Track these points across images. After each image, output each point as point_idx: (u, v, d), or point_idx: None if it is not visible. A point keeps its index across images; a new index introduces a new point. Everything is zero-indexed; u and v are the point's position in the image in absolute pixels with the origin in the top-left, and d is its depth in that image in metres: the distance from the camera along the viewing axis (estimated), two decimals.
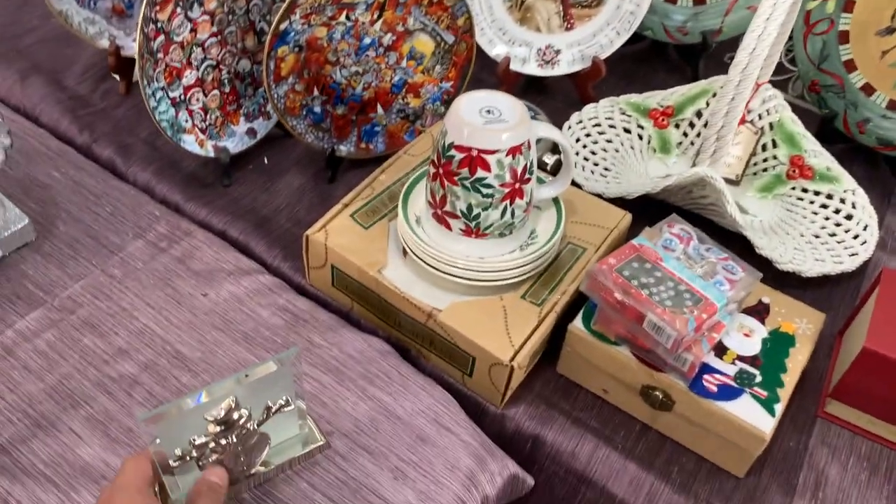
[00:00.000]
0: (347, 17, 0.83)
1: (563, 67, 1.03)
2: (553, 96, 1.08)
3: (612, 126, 0.99)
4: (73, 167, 0.87)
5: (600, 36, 1.02)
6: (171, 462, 0.54)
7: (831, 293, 0.85)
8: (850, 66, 0.97)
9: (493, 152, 0.68)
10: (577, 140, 0.98)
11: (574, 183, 0.89)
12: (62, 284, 0.76)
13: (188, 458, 0.55)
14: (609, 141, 0.98)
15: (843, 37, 0.97)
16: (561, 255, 0.78)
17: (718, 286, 0.68)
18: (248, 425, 0.56)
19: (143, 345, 0.72)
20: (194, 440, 0.54)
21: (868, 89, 0.97)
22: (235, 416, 0.55)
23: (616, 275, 0.67)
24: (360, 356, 0.73)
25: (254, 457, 0.58)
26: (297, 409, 0.59)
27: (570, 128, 0.99)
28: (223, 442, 0.55)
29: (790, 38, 0.98)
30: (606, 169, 0.96)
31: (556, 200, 0.78)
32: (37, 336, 0.71)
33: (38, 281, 0.76)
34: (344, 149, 0.91)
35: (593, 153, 0.97)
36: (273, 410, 0.57)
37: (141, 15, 0.75)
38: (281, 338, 0.73)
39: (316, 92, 0.87)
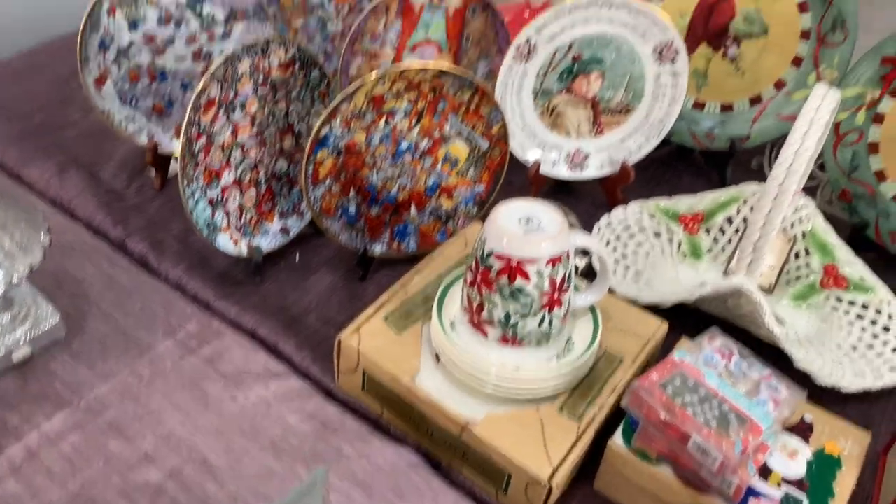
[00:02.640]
0: (386, 122, 0.84)
1: (591, 171, 1.04)
2: (582, 198, 1.08)
3: (641, 229, 0.99)
4: (107, 262, 0.87)
5: (629, 141, 1.03)
6: None
7: (872, 408, 0.83)
8: (881, 176, 0.98)
9: (532, 262, 0.67)
10: (608, 243, 0.98)
11: (608, 289, 0.89)
12: (90, 385, 0.75)
13: None
14: (639, 244, 0.98)
15: (873, 148, 0.97)
16: (598, 365, 0.76)
17: (763, 406, 0.66)
18: None
19: (170, 451, 0.70)
20: None
21: None
22: None
23: (660, 392, 0.66)
24: (391, 468, 0.71)
25: None
26: None
27: (599, 230, 0.99)
28: None
29: None
30: (638, 272, 0.95)
31: (592, 308, 0.78)
32: (62, 439, 0.70)
33: (66, 380, 0.75)
34: (377, 248, 0.91)
35: (624, 256, 0.97)
36: None
37: (185, 118, 0.76)
38: (309, 447, 0.71)
39: (352, 193, 0.87)
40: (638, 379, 0.68)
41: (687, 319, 0.86)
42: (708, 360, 0.70)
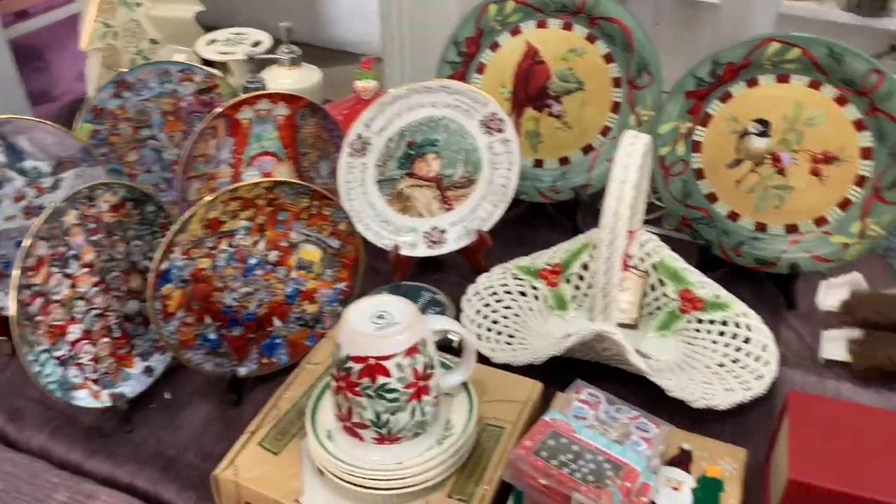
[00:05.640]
0: (229, 245, 0.84)
1: (450, 245, 1.07)
2: (448, 271, 1.10)
3: (507, 292, 1.02)
4: None
5: (479, 210, 1.06)
6: None
7: (749, 418, 0.87)
8: (713, 197, 1.04)
9: (390, 357, 0.68)
10: (478, 312, 0.99)
11: (484, 357, 0.90)
12: None
13: None
14: (507, 307, 1.00)
15: (699, 173, 1.04)
16: (481, 440, 0.77)
17: (635, 447, 0.68)
18: None
19: None
20: None
21: (733, 216, 1.04)
22: None
23: (535, 458, 0.67)
24: None
25: None
26: None
27: (469, 301, 1.01)
28: None
29: (653, 180, 1.05)
30: (511, 336, 0.97)
31: (465, 385, 0.78)
32: None
33: None
34: (245, 369, 0.89)
35: (495, 322, 0.99)
36: None
37: (12, 284, 0.74)
38: None
39: (208, 320, 0.86)
40: (514, 449, 0.69)
41: (566, 371, 0.88)
42: (577, 413, 0.72)
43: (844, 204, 0.98)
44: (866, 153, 0.95)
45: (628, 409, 0.72)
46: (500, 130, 1.02)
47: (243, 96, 0.96)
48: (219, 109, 0.95)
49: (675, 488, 0.71)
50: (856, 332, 0.93)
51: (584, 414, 0.71)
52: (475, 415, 0.75)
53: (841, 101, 0.95)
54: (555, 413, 0.72)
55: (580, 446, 0.68)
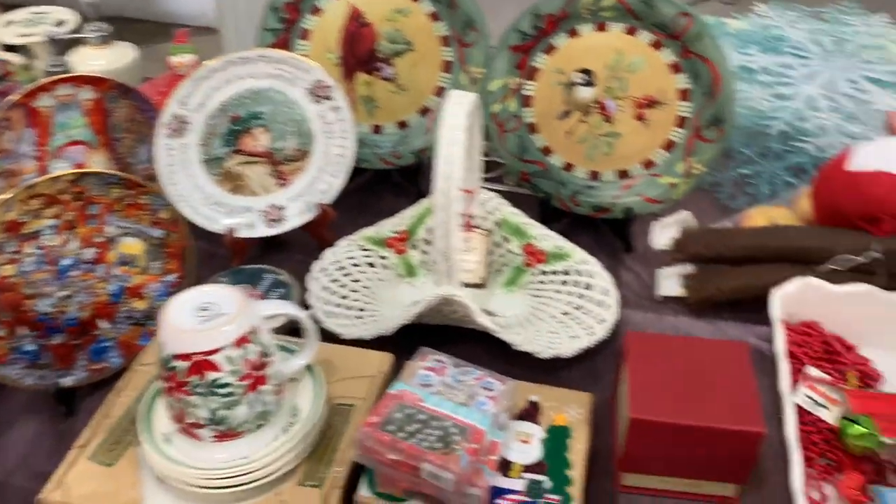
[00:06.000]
0: (36, 247, 0.77)
1: (291, 221, 1.03)
2: (292, 249, 1.06)
3: (355, 265, 0.99)
4: None
5: (318, 183, 1.02)
6: None
7: (596, 362, 0.89)
8: (547, 150, 1.05)
9: (217, 350, 0.64)
10: (325, 288, 0.96)
11: (331, 335, 0.87)
12: None
13: None
14: (356, 280, 0.98)
15: (532, 128, 1.05)
16: (332, 421, 0.74)
17: (481, 407, 0.68)
18: None
19: None
20: None
21: (568, 167, 1.05)
22: None
23: (381, 433, 0.65)
24: None
25: None
26: None
27: (315, 278, 0.97)
28: None
29: (489, 139, 1.05)
30: (361, 309, 0.95)
31: (309, 367, 0.76)
32: None
33: None
34: (71, 378, 0.82)
35: (344, 297, 0.96)
36: None
37: None
38: None
39: (23, 330, 0.79)
40: (360, 426, 0.67)
41: (420, 339, 0.87)
42: (423, 381, 0.71)
43: (669, 145, 1.01)
44: (684, 95, 0.99)
45: (474, 371, 0.72)
46: (328, 98, 0.98)
47: (38, 82, 0.87)
48: (11, 99, 0.86)
49: (525, 441, 0.72)
50: (688, 268, 0.97)
51: (430, 381, 0.71)
52: (322, 396, 0.73)
53: (656, 45, 0.97)
54: (401, 384, 0.71)
55: (427, 414, 0.67)
